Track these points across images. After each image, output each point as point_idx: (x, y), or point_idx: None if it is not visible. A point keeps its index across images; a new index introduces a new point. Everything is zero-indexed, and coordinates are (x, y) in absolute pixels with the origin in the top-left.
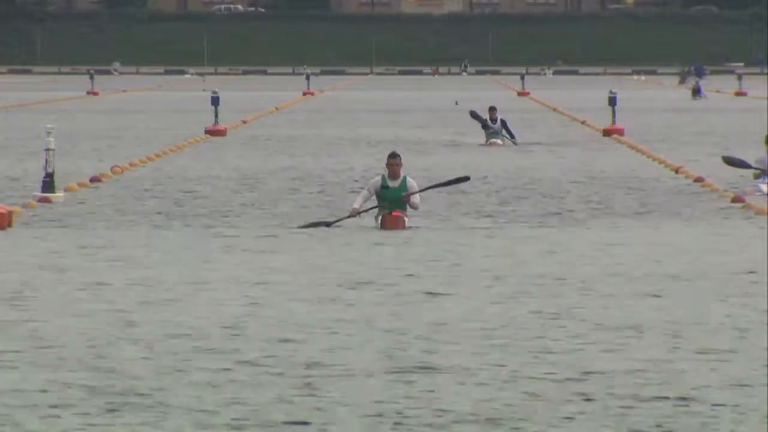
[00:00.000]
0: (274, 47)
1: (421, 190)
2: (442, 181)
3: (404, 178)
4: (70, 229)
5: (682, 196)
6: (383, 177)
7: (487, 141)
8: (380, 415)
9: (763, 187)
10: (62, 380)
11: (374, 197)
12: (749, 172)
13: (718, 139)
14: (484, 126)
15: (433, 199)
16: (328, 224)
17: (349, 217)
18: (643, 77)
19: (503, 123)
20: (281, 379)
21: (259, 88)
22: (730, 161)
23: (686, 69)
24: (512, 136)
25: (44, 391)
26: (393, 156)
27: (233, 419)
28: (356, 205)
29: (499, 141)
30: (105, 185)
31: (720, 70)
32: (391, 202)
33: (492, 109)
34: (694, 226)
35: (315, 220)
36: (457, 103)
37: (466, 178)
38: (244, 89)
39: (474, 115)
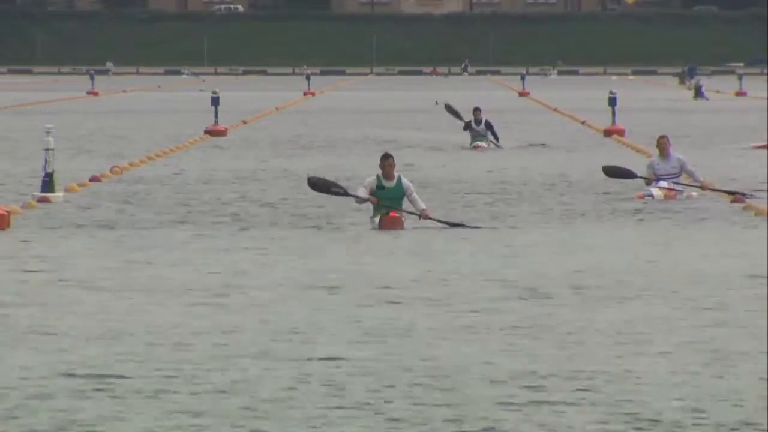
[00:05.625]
0: (274, 47)
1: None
2: (445, 220)
3: (399, 178)
4: (70, 229)
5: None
6: (378, 177)
7: (471, 144)
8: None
9: (655, 191)
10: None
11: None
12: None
13: (718, 139)
14: (468, 127)
15: (431, 200)
16: (345, 193)
17: (361, 199)
18: (631, 77)
19: (488, 125)
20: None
21: (259, 88)
22: (612, 172)
23: (683, 69)
24: (497, 139)
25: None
26: (386, 157)
27: None
28: (361, 194)
29: (484, 144)
30: (104, 185)
31: (720, 70)
32: (388, 203)
33: (476, 110)
34: (693, 226)
35: (335, 187)
36: (437, 103)
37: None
38: (244, 89)
39: (449, 109)
